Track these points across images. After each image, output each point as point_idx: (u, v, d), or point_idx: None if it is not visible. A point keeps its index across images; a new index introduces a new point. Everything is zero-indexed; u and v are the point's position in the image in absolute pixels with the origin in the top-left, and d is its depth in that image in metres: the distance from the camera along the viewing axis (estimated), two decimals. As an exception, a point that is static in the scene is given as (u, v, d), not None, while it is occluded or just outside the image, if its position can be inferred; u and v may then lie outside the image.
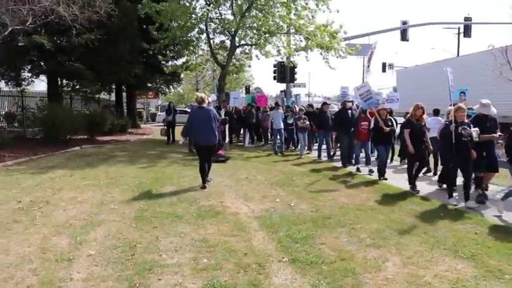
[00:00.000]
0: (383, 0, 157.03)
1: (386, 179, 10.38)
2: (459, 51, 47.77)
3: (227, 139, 18.28)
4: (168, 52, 24.16)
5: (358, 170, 11.74)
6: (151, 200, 7.91)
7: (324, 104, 15.47)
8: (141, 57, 23.66)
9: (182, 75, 32.43)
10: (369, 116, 11.63)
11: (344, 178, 10.77)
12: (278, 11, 20.42)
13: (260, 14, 20.34)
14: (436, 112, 12.23)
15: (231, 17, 21.21)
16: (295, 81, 27.75)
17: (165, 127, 19.76)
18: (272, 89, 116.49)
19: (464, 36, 29.83)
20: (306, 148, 15.68)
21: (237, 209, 7.36)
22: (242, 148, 18.11)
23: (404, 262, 4.99)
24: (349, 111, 13.12)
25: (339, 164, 12.96)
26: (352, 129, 12.64)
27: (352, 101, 14.08)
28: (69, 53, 18.08)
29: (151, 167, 12.23)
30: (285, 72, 25.21)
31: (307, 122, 14.99)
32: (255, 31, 20.92)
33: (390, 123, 10.82)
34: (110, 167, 12.00)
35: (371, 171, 11.36)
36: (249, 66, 30.14)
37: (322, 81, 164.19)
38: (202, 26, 21.43)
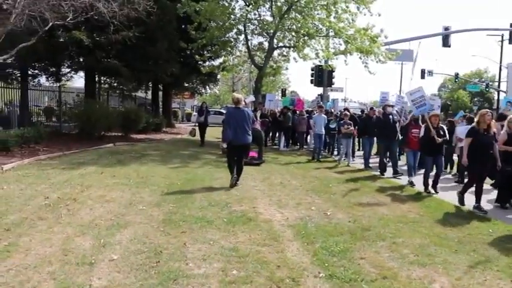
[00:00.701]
0: (425, 6, 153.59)
1: (433, 193, 9.51)
2: (502, 58, 46.16)
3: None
4: (205, 52, 23.99)
5: (411, 184, 10.50)
6: (181, 202, 7.59)
7: (371, 108, 14.72)
8: (179, 56, 23.57)
9: (219, 76, 32.26)
10: (420, 123, 10.80)
11: (383, 187, 10.20)
12: (318, 14, 19.98)
13: (299, 16, 19.93)
14: (470, 121, 11.65)
15: (270, 19, 20.87)
16: (332, 86, 27.24)
17: (195, 127, 18.94)
18: (308, 92, 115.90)
19: (510, 43, 28.58)
20: (347, 156, 14.32)
21: (270, 216, 6.96)
22: (277, 151, 17.69)
23: (454, 284, 4.50)
24: (390, 116, 12.29)
25: (378, 173, 12.38)
26: (398, 136, 12.01)
27: (392, 105, 13.32)
28: (107, 49, 18.13)
29: (183, 167, 11.97)
30: (322, 76, 24.74)
31: (352, 128, 14.18)
32: (293, 33, 20.53)
33: (442, 132, 9.74)
34: (141, 165, 11.80)
35: (411, 183, 10.50)
36: (286, 68, 29.81)
37: (358, 86, 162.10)
38: (241, 27, 21.17)
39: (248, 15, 20.63)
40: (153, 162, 12.58)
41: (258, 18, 21.17)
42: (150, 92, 33.00)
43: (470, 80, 57.43)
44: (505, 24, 30.15)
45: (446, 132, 9.96)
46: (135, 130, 21.68)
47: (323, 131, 15.15)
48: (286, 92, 45.00)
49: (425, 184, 9.67)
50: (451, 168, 13.00)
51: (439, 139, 9.50)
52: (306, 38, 19.97)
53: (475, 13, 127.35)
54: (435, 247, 5.67)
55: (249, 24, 21.39)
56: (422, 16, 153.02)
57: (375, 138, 13.73)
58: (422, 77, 45.89)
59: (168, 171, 11.01)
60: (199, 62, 24.57)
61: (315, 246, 5.52)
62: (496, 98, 46.93)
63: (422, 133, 9.87)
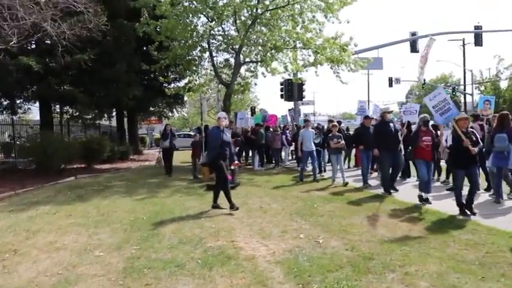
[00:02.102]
0: (391, 13, 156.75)
1: (473, 214, 7.67)
2: (465, 63, 46.93)
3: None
4: (169, 73, 22.95)
5: (426, 200, 8.98)
6: (146, 242, 6.42)
7: (366, 117, 13.08)
8: (141, 78, 22.46)
9: (185, 98, 31.13)
10: (431, 129, 9.35)
11: (374, 203, 9.24)
12: (284, 25, 19.16)
13: (265, 29, 19.11)
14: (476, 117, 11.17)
15: (234, 33, 19.99)
16: (303, 99, 26.51)
17: (161, 154, 16.45)
18: (278, 109, 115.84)
19: (476, 45, 28.60)
20: (336, 173, 12.72)
21: (253, 251, 5.87)
22: (251, 172, 16.60)
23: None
24: (391, 124, 10.71)
25: (375, 190, 11.38)
26: (400, 147, 10.76)
27: (391, 111, 11.49)
28: (60, 75, 16.77)
29: (151, 198, 10.74)
30: (292, 90, 23.93)
31: (342, 142, 12.63)
32: (260, 47, 19.69)
33: (475, 138, 7.91)
34: (103, 199, 10.54)
35: (426, 200, 8.97)
36: (255, 84, 28.91)
37: (326, 100, 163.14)
38: (205, 44, 20.20)
39: (212, 31, 19.70)
40: (117, 195, 11.32)
41: (222, 34, 20.29)
42: (114, 119, 31.56)
43: (436, 85, 57.97)
44: (468, 28, 30.35)
45: (479, 137, 8.30)
46: (99, 160, 20.28)
47: (313, 147, 13.54)
48: (256, 109, 44.25)
49: (460, 204, 7.87)
50: (439, 175, 12.18)
51: (475, 149, 7.75)
52: (273, 51, 19.10)
53: (440, 19, 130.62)
54: (456, 275, 4.71)
55: (213, 40, 20.46)
56: (390, 24, 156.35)
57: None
58: (390, 85, 46.00)
59: (133, 204, 9.79)
60: (164, 84, 23.46)
61: (312, 288, 4.48)
62: (462, 101, 47.33)
63: (449, 141, 8.15)
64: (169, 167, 16.03)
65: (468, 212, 7.69)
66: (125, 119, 31.34)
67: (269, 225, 7.42)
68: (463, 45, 45.54)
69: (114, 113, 29.91)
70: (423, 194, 9.06)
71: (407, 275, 4.76)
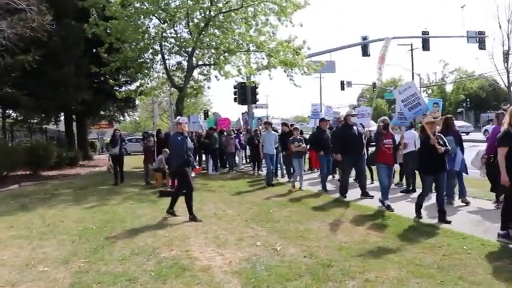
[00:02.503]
0: (343, 17, 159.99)
1: (448, 222, 7.17)
2: (413, 67, 48.60)
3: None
4: (120, 76, 22.27)
5: (388, 208, 8.58)
6: (96, 254, 6.08)
7: (322, 120, 12.76)
8: (90, 81, 21.66)
9: (137, 101, 30.40)
10: (391, 132, 9.14)
11: (331, 207, 9.20)
12: (237, 28, 19.04)
13: (218, 32, 18.90)
14: (410, 125, 11.30)
15: (187, 36, 19.67)
16: (257, 103, 26.49)
17: (111, 162, 15.18)
18: (231, 113, 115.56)
19: (423, 49, 29.65)
20: (298, 178, 12.15)
21: (209, 261, 5.66)
22: (205, 176, 16.31)
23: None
24: (354, 127, 10.31)
25: (333, 193, 11.12)
26: (364, 151, 10.49)
27: (355, 115, 11.01)
28: (1, 76, 15.85)
29: (101, 206, 10.28)
30: (246, 93, 23.86)
31: (304, 145, 12.26)
32: (213, 50, 19.43)
33: (442, 142, 7.54)
34: (49, 209, 10.00)
35: (388, 207, 8.62)
36: (208, 88, 28.58)
37: (279, 103, 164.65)
38: (157, 47, 19.72)
39: (164, 33, 19.29)
40: (65, 203, 10.79)
41: (175, 36, 19.89)
42: (62, 123, 30.37)
43: (386, 88, 59.59)
44: (416, 33, 31.48)
45: (446, 141, 7.73)
46: (46, 167, 19.32)
47: (274, 150, 13.47)
48: (209, 113, 43.93)
49: (418, 209, 7.69)
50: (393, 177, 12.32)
51: (442, 148, 7.34)
52: (226, 54, 18.94)
53: (390, 24, 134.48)
54: (416, 280, 4.70)
55: (166, 43, 20.00)
56: (342, 28, 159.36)
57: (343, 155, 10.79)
58: (342, 88, 46.81)
59: (82, 213, 9.33)
60: (115, 87, 22.80)
61: (271, 299, 4.32)
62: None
63: (418, 144, 7.84)
64: (120, 174, 14.97)
65: (442, 224, 7.14)
66: (74, 124, 30.23)
67: (224, 232, 7.22)
68: (411, 49, 47.13)
69: (62, 117, 28.78)
70: (386, 201, 8.79)
71: (368, 282, 4.69)
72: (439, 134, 7.68)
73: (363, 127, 11.70)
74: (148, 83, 22.08)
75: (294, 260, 5.54)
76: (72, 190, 13.46)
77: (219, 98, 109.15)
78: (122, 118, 34.08)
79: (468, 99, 53.35)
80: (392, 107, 67.66)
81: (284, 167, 14.77)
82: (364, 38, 26.33)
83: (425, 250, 5.77)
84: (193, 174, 12.09)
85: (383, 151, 8.80)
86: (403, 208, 8.49)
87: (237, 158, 19.31)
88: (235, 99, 24.39)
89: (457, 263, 5.19)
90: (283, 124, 14.84)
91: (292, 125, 14.37)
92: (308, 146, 13.21)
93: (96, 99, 23.09)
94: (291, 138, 12.22)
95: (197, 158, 19.43)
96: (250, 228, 7.42)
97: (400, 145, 9.15)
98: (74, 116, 28.42)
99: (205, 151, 18.22)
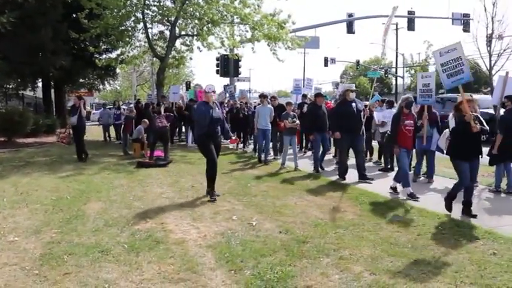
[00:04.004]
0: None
1: (473, 216, 6.39)
2: (398, 46, 48.69)
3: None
4: (100, 43, 21.75)
5: (412, 196, 7.62)
6: (68, 225, 5.98)
7: (319, 95, 11.62)
8: (69, 47, 21.09)
9: (118, 70, 29.79)
10: (413, 113, 8.13)
11: (309, 183, 9.24)
12: (222, -1, 18.71)
13: (202, 2, 18.54)
14: (391, 104, 11.33)
15: (170, 4, 19.25)
16: (239, 76, 26.29)
17: (67, 133, 13.34)
18: (214, 85, 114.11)
19: (408, 29, 29.67)
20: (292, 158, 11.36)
21: (184, 234, 5.62)
22: (185, 148, 16.21)
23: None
24: (353, 104, 9.51)
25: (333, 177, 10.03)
26: (362, 130, 9.78)
27: (355, 90, 10.24)
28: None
29: (77, 175, 10.12)
30: (228, 66, 23.67)
31: (298, 122, 11.30)
32: (196, 20, 19.08)
33: (479, 121, 6.45)
34: (23, 177, 9.80)
35: (411, 195, 7.64)
36: (190, 59, 28.05)
37: (262, 77, 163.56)
38: (139, 15, 19.29)
39: (146, 1, 18.86)
40: (39, 172, 10.57)
41: (158, 5, 19.45)
42: (40, 90, 29.65)
43: (369, 67, 59.65)
44: (402, 13, 31.39)
45: (484, 122, 6.67)
46: (22, 133, 18.84)
47: (269, 125, 12.23)
48: (191, 84, 43.44)
49: (450, 203, 6.60)
50: (371, 155, 12.40)
51: (478, 126, 6.28)
52: (210, 25, 18.67)
53: (376, 2, 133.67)
54: (389, 258, 4.72)
55: (148, 11, 19.60)
56: (328, 4, 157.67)
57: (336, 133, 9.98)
58: (326, 65, 46.63)
59: (57, 182, 9.17)
60: (95, 55, 22.31)
61: (244, 275, 4.33)
62: (394, 83, 49.08)
63: (452, 124, 6.57)
64: (82, 148, 12.90)
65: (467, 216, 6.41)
66: (52, 90, 29.58)
67: (201, 205, 7.19)
68: (396, 29, 47.13)
69: (40, 84, 28.10)
70: (398, 185, 8.06)
71: (342, 259, 4.70)
72: (476, 114, 6.58)
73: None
74: (129, 52, 21.66)
75: (269, 236, 5.53)
76: (48, 158, 13.20)
77: (201, 70, 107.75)
78: (102, 86, 33.40)
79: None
80: (375, 85, 68.17)
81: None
82: (350, 15, 26.17)
83: (400, 229, 5.81)
84: (231, 146, 11.72)
85: (403, 133, 7.80)
86: (381, 187, 8.53)
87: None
88: (217, 72, 24.13)
89: (430, 243, 5.24)
90: (260, 96, 13.62)
91: (273, 98, 13.79)
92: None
93: (75, 66, 22.54)
94: (283, 114, 11.37)
95: (177, 130, 19.28)
96: (227, 202, 7.39)
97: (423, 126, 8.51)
98: (52, 83, 27.76)
99: (185, 123, 18.02)
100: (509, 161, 7.98)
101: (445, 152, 7.35)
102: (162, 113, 13.06)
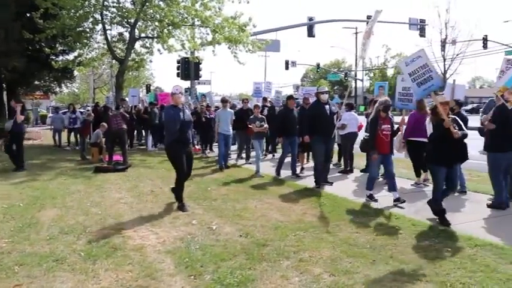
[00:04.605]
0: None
1: (449, 225, 6.05)
2: (357, 49, 49.73)
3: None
4: (57, 44, 21.18)
5: (371, 197, 7.62)
6: (21, 233, 5.76)
7: (290, 97, 11.02)
8: (23, 48, 20.41)
9: (75, 72, 29.06)
10: (390, 116, 7.75)
11: (269, 186, 9.26)
12: (183, 1, 18.57)
13: (163, 4, 18.37)
14: (351, 107, 11.54)
15: (130, 6, 18.96)
16: (200, 79, 26.14)
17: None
18: (180, 86, 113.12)
19: (369, 34, 30.23)
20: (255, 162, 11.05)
21: (142, 240, 5.53)
22: (144, 152, 15.96)
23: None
24: (327, 106, 9.11)
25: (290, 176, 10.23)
26: (334, 133, 9.38)
27: (326, 92, 9.54)
28: None
29: (30, 181, 9.77)
30: (189, 69, 23.44)
31: (266, 125, 11.08)
32: (157, 23, 18.88)
33: (458, 127, 6.21)
34: (-27, 183, 9.43)
35: (400, 201, 7.36)
36: (150, 61, 27.72)
37: (223, 80, 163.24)
38: (98, 16, 18.89)
39: (105, 2, 18.50)
40: (-11, 178, 10.17)
41: (117, 6, 19.11)
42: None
43: (330, 70, 60.71)
44: (361, 16, 32.23)
45: (463, 125, 6.47)
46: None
47: (230, 130, 11.96)
48: (151, 87, 42.91)
49: (441, 211, 6.26)
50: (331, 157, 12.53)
51: (458, 132, 6.05)
52: (170, 27, 18.53)
53: (336, 6, 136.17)
54: (349, 259, 4.79)
55: (107, 12, 19.21)
56: (288, 7, 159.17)
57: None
58: (287, 68, 47.05)
59: (9, 189, 8.84)
60: (51, 56, 21.68)
61: (204, 280, 4.31)
62: (353, 86, 50.00)
63: (430, 129, 6.37)
64: (16, 157, 11.70)
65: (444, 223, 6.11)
66: (4, 93, 28.55)
67: (160, 210, 7.10)
68: (356, 33, 48.22)
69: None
70: (369, 191, 7.70)
71: (302, 262, 4.74)
72: (453, 116, 6.43)
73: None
74: (87, 54, 21.31)
75: (229, 240, 5.52)
76: (0, 164, 12.70)
77: (162, 73, 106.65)
78: (58, 89, 32.58)
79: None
80: (335, 88, 69.19)
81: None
82: (310, 19, 26.51)
83: (359, 230, 5.91)
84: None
85: (380, 138, 7.47)
86: (341, 188, 8.67)
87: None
88: (178, 75, 23.88)
89: (388, 243, 5.36)
90: (222, 101, 12.99)
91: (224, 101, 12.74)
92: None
93: (29, 68, 21.89)
94: (251, 117, 11.12)
95: (135, 133, 18.98)
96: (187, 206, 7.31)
97: (400, 131, 8.33)
98: (4, 85, 26.79)
99: (145, 126, 17.76)
100: (459, 162, 8.25)
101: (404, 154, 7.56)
102: (120, 111, 12.83)
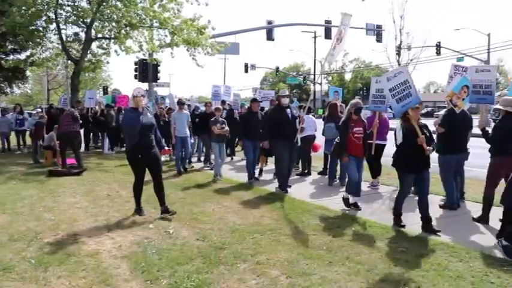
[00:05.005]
0: (250, 0, 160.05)
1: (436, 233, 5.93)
2: (316, 54, 50.60)
3: (83, 145, 15.67)
4: (7, 43, 20.45)
5: (355, 206, 7.38)
6: (-33, 240, 5.53)
7: (254, 100, 10.98)
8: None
9: (28, 72, 28.09)
10: (363, 119, 7.74)
11: (227, 189, 9.22)
12: (141, 2, 18.34)
13: (120, 4, 18.03)
14: (309, 110, 11.71)
15: (86, 5, 18.52)
16: (158, 81, 25.83)
17: None
18: (131, 90, 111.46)
19: (326, 38, 30.86)
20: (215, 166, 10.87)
21: (98, 245, 5.40)
22: (101, 156, 15.60)
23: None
24: (288, 110, 9.01)
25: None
26: (297, 138, 9.07)
27: (287, 95, 9.35)
28: None
29: (-23, 186, 9.39)
30: (147, 71, 23.12)
31: (227, 128, 10.83)
32: (114, 23, 18.52)
33: (428, 134, 6.24)
34: None
35: (355, 205, 7.38)
36: (108, 63, 27.21)
37: (182, 83, 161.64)
38: (52, 14, 18.34)
39: (59, 0, 17.99)
40: None
41: (72, 5, 18.63)
42: None
43: (289, 73, 61.29)
44: (320, 21, 32.79)
45: (431, 132, 6.47)
46: None
47: (187, 132, 11.68)
48: (108, 89, 42.04)
49: (398, 214, 6.37)
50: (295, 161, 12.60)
51: (430, 148, 6.10)
52: (128, 28, 18.20)
53: (295, 11, 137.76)
54: (306, 261, 4.84)
55: (61, 11, 18.70)
56: (248, 11, 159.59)
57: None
58: (246, 71, 47.21)
59: (-45, 194, 8.45)
60: (1, 55, 20.90)
61: (161, 284, 4.27)
62: (312, 89, 50.71)
63: (400, 138, 6.24)
64: None
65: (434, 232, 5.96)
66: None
67: (117, 214, 6.95)
68: (315, 37, 48.98)
69: None
70: (350, 196, 7.51)
71: (259, 264, 4.76)
72: (423, 123, 6.37)
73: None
74: (40, 53, 20.66)
75: (186, 243, 5.47)
76: None
77: (120, 74, 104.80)
78: (9, 90, 31.35)
79: (365, 88, 56.49)
80: (294, 91, 69.92)
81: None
82: (269, 22, 26.71)
83: (316, 232, 5.98)
84: (163, 158, 10.96)
85: (352, 141, 7.35)
86: (300, 191, 8.75)
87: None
88: (135, 76, 23.51)
89: (345, 244, 5.45)
90: (178, 103, 12.48)
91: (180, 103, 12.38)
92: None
93: (-24, 67, 21.03)
94: (212, 120, 10.80)
95: (91, 136, 18.55)
96: (144, 210, 7.19)
97: (373, 134, 8.27)
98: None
99: (101, 129, 17.36)
100: (427, 168, 8.50)
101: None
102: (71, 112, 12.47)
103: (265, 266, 4.71)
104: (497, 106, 6.51)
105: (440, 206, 7.35)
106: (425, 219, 6.08)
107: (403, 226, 6.18)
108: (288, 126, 8.81)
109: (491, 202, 6.50)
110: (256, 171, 10.59)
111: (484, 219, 6.45)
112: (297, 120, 9.09)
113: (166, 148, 7.64)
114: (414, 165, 6.13)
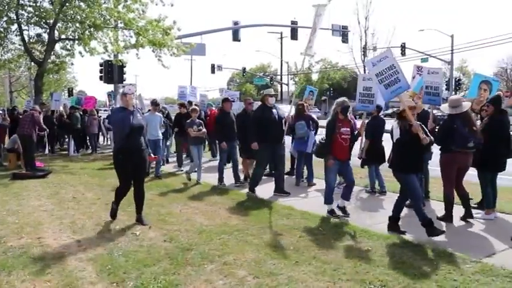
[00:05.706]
0: (215, 1, 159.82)
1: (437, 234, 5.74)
2: (282, 54, 51.02)
3: (47, 148, 15.42)
4: (-35, 43, 19.87)
5: (332, 213, 7.01)
6: None
7: (226, 100, 10.67)
8: None
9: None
10: (350, 118, 7.44)
11: (194, 190, 9.29)
12: (105, 3, 18.08)
13: (84, 5, 17.73)
14: None
15: (48, 6, 18.15)
16: (124, 82, 25.58)
17: None
18: (98, 92, 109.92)
19: (292, 38, 31.13)
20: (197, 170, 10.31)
21: (63, 248, 5.40)
22: (66, 158, 15.39)
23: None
24: (274, 110, 8.67)
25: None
26: (283, 139, 8.71)
27: (273, 95, 9.06)
28: None
29: None
30: (112, 72, 22.85)
31: (204, 130, 10.43)
32: (77, 24, 18.14)
33: (422, 129, 5.90)
34: None
35: (344, 211, 7.00)
36: (72, 64, 26.75)
37: (149, 84, 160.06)
38: (13, 15, 17.91)
39: (20, 0, 17.59)
40: None
41: (34, 5, 18.22)
42: None
43: (256, 74, 61.51)
44: (286, 22, 33.09)
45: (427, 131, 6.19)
46: None
47: (159, 134, 11.15)
48: (74, 91, 41.25)
49: (429, 222, 5.82)
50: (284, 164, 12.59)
51: (427, 138, 5.79)
52: (92, 29, 17.86)
53: (261, 11, 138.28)
54: (273, 261, 4.95)
55: (23, 11, 18.25)
56: (214, 11, 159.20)
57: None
58: (213, 71, 47.22)
59: None
60: (-40, 56, 20.25)
61: (127, 286, 4.33)
62: (279, 90, 51.02)
63: (397, 134, 5.95)
64: None
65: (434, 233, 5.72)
66: None
67: (82, 217, 6.92)
68: (281, 38, 49.36)
69: None
70: (330, 206, 7.08)
71: (226, 265, 4.83)
72: (418, 122, 5.94)
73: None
74: (2, 55, 20.05)
75: (153, 245, 5.52)
76: None
77: (85, 76, 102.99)
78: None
79: (331, 88, 57.17)
80: (261, 92, 70.32)
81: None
82: (235, 23, 26.82)
83: (284, 232, 6.08)
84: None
85: (338, 142, 6.86)
86: (266, 191, 8.79)
87: (101, 139, 18.51)
88: (101, 78, 23.21)
89: (311, 244, 5.57)
90: (152, 103, 11.85)
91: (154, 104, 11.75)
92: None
93: None
94: (188, 121, 10.43)
95: (56, 139, 18.25)
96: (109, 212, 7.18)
97: (360, 135, 7.79)
98: None
99: (67, 131, 17.11)
100: (377, 164, 8.74)
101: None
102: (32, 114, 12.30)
103: (233, 267, 4.79)
104: (443, 106, 6.84)
105: (406, 206, 7.52)
106: (394, 219, 6.11)
107: (441, 233, 5.76)
108: (274, 127, 8.49)
109: (452, 201, 6.67)
110: (241, 175, 10.20)
111: (447, 218, 6.62)
112: (284, 121, 8.83)
113: (152, 156, 7.40)
114: (414, 164, 5.96)
